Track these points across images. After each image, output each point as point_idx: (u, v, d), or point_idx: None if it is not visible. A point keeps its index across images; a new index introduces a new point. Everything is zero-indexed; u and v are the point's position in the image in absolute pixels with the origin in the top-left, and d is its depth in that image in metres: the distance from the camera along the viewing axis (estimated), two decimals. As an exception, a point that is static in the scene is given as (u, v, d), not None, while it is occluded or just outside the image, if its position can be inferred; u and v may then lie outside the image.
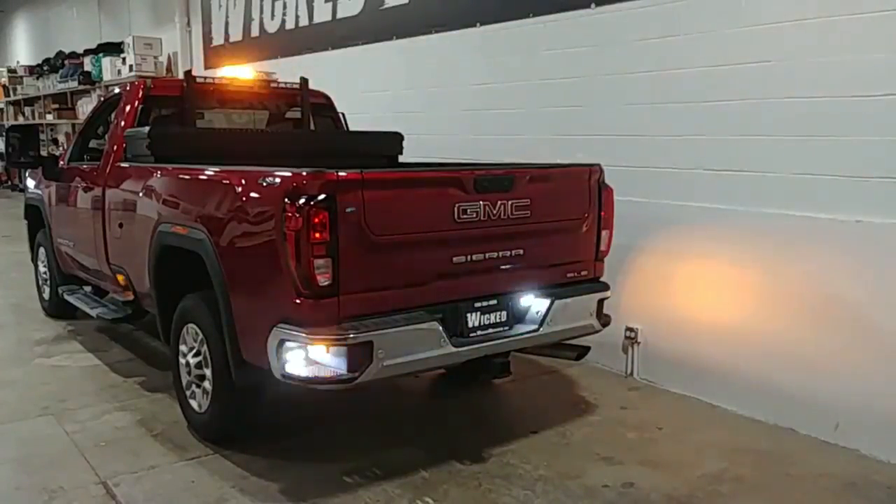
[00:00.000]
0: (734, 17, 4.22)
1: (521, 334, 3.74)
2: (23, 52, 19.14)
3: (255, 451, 3.74)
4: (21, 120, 16.38)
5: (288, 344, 3.17)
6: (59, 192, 5.76)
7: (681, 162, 4.53)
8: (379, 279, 3.29)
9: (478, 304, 3.60)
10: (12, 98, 17.02)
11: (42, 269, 6.49)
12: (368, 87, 7.05)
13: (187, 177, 4.06)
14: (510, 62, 5.65)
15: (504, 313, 3.70)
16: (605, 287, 4.10)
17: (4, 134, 10.11)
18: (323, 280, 3.10)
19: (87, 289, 5.88)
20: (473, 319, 3.59)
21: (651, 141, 4.69)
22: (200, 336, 3.80)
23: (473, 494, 3.38)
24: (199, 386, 3.89)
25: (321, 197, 3.06)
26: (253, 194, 3.40)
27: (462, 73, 6.09)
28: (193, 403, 3.95)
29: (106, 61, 12.27)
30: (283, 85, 5.54)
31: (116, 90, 5.54)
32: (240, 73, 5.75)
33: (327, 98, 5.84)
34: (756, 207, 4.18)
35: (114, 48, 12.35)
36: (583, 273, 4.05)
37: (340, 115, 5.92)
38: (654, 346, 4.81)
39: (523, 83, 5.55)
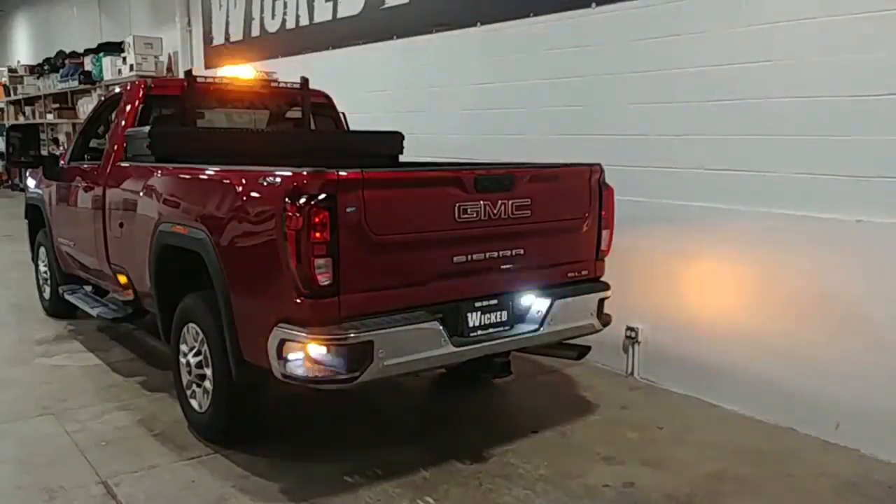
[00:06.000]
0: (734, 17, 4.22)
1: (522, 334, 3.74)
2: (23, 52, 19.14)
3: (255, 451, 3.75)
4: (21, 119, 16.38)
5: (288, 344, 3.17)
6: (59, 192, 5.76)
7: (681, 162, 4.53)
8: (379, 279, 3.29)
9: (478, 304, 3.60)
10: (13, 98, 17.01)
11: (42, 268, 6.49)
12: (368, 87, 7.05)
13: (188, 176, 4.06)
14: (510, 62, 5.65)
15: (504, 313, 3.70)
16: (606, 287, 4.10)
17: (5, 133, 10.10)
18: (323, 280, 3.10)
19: (88, 288, 5.88)
20: (474, 319, 3.59)
21: (651, 141, 4.69)
22: (201, 336, 3.80)
23: (474, 494, 3.38)
24: (199, 385, 3.89)
25: (322, 196, 3.06)
26: (253, 194, 3.40)
27: (462, 73, 6.09)
28: (194, 403, 3.95)
29: (106, 61, 12.27)
30: (283, 85, 5.54)
31: (117, 90, 5.54)
32: (240, 72, 5.73)
33: (327, 98, 5.83)
34: (756, 207, 4.18)
35: (114, 48, 12.36)
36: (583, 273, 4.05)
37: (341, 115, 5.92)
38: (655, 346, 4.81)
39: (523, 83, 5.55)
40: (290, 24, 8.16)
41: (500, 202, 3.58)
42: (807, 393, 4.01)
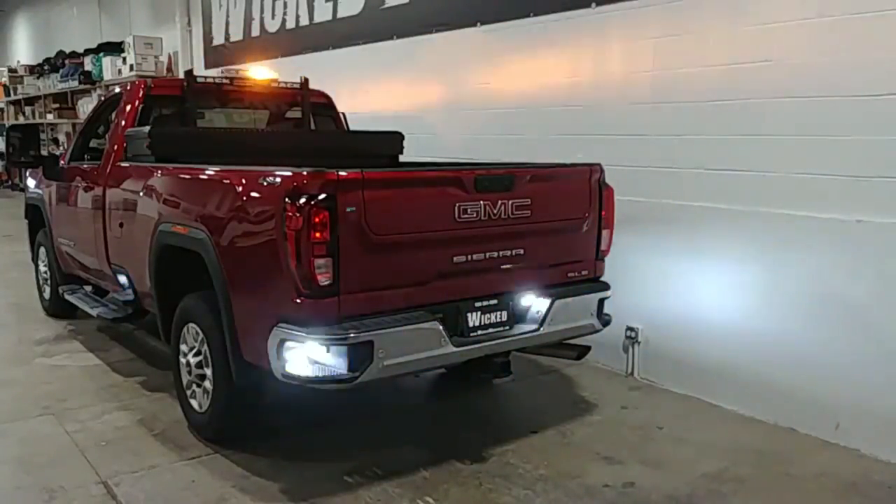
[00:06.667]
0: (735, 17, 4.22)
1: (522, 334, 3.74)
2: (23, 52, 19.14)
3: (255, 451, 3.75)
4: (21, 119, 16.38)
5: (288, 344, 3.17)
6: (59, 192, 5.76)
7: (681, 162, 4.53)
8: (379, 279, 3.29)
9: (478, 304, 3.61)
10: (13, 98, 17.01)
11: (42, 268, 6.49)
12: (369, 87, 7.05)
13: (188, 176, 4.06)
14: (510, 62, 5.65)
15: (504, 313, 3.70)
16: (606, 287, 4.10)
17: (5, 133, 10.11)
18: (323, 280, 3.10)
19: (88, 288, 5.88)
20: (474, 319, 3.59)
21: (651, 141, 4.69)
22: (201, 336, 3.80)
23: (474, 494, 3.38)
24: (199, 385, 3.89)
25: (322, 196, 3.06)
26: (253, 194, 3.40)
27: (462, 73, 6.09)
28: (194, 403, 3.95)
29: (106, 61, 12.27)
30: (283, 85, 5.54)
31: (117, 90, 5.54)
32: (252, 72, 5.68)
33: (327, 98, 5.83)
34: (756, 207, 4.18)
35: (114, 48, 12.36)
36: (583, 273, 4.05)
37: (341, 115, 5.92)
38: (655, 346, 4.81)
39: (523, 83, 5.55)
40: (290, 24, 8.16)
41: (500, 202, 3.58)
42: (807, 393, 4.01)
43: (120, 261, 4.77)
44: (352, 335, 3.13)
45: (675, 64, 4.52)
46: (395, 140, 5.47)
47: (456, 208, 3.44)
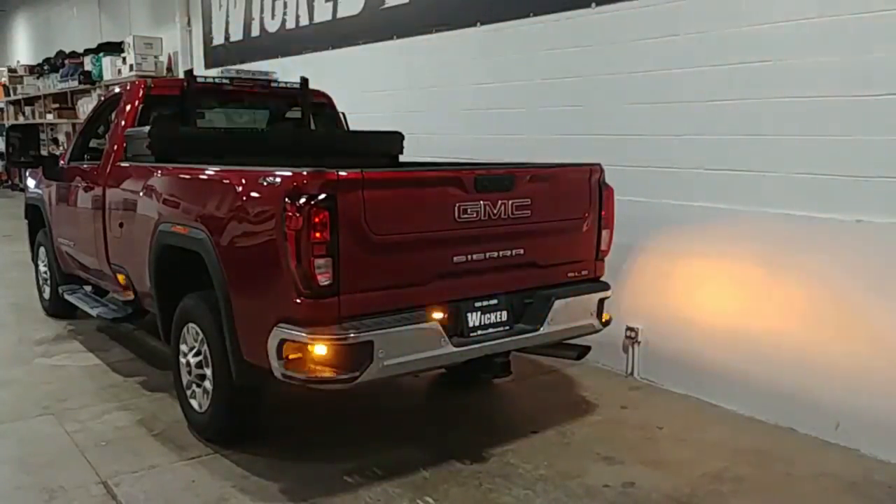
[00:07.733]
0: (734, 17, 4.22)
1: (522, 334, 3.74)
2: (23, 52, 19.15)
3: (255, 451, 3.75)
4: (21, 119, 16.38)
5: (288, 344, 3.17)
6: (59, 192, 5.76)
7: (681, 162, 4.53)
8: (379, 279, 3.29)
9: (478, 304, 3.60)
10: (12, 98, 17.02)
11: (42, 268, 6.49)
12: (368, 87, 7.05)
13: (188, 176, 4.06)
14: (510, 62, 5.65)
15: (504, 313, 3.70)
16: (606, 287, 4.10)
17: (5, 133, 10.14)
18: (323, 280, 3.10)
19: (88, 288, 5.88)
20: (474, 319, 3.59)
21: (651, 141, 4.69)
22: (201, 336, 3.80)
23: (474, 494, 3.38)
24: (199, 385, 3.89)
25: (322, 196, 3.06)
26: (253, 194, 3.40)
27: (462, 73, 6.09)
28: (194, 403, 3.95)
29: (106, 61, 12.27)
30: (283, 85, 5.54)
31: (117, 90, 5.54)
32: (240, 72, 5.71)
33: (327, 98, 5.84)
34: (756, 207, 4.18)
35: (114, 48, 12.36)
36: (583, 272, 4.05)
37: (340, 115, 5.92)
38: (655, 346, 4.81)
39: (523, 83, 5.55)
40: (290, 24, 8.16)
41: (500, 202, 3.58)
42: (807, 393, 4.01)
43: (120, 261, 4.77)
44: (352, 335, 3.13)
45: (674, 64, 4.52)
46: (395, 140, 5.47)
47: (456, 208, 3.44)
